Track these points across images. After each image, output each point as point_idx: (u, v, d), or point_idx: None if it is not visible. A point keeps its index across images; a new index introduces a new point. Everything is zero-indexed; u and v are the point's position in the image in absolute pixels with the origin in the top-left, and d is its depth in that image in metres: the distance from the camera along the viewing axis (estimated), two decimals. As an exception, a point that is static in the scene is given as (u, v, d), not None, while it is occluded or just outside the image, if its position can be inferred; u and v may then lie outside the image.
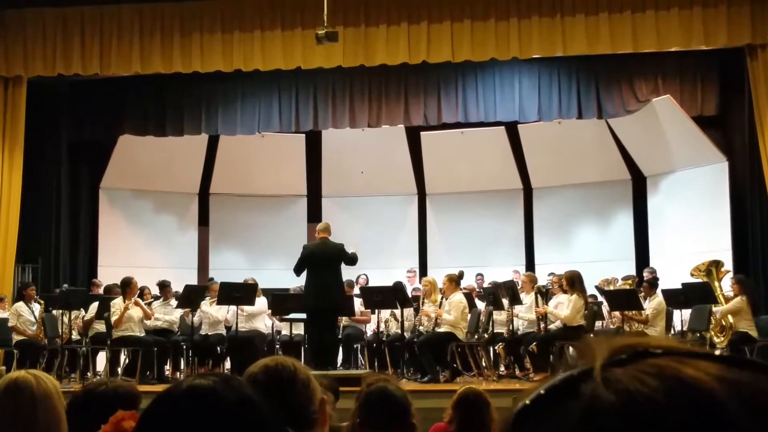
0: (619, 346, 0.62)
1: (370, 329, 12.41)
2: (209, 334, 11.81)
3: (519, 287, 11.67)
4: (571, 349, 10.44)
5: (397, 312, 11.37)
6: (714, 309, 10.98)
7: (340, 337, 12.14)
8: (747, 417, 0.55)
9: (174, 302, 11.99)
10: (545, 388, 0.61)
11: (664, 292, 11.18)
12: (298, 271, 10.63)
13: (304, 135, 15.97)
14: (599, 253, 14.95)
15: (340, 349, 12.27)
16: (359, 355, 12.53)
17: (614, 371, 0.58)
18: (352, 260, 10.57)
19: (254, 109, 14.81)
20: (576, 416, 0.57)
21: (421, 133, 15.84)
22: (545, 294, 11.46)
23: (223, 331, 11.88)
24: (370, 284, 13.26)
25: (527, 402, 0.61)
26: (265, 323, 12.10)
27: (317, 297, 10.38)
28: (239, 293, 11.22)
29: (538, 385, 0.62)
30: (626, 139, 15.12)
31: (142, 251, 15.65)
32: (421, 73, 14.19)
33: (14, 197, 13.15)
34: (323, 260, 10.38)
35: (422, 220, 16.61)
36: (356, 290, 12.86)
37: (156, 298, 12.20)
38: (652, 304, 11.03)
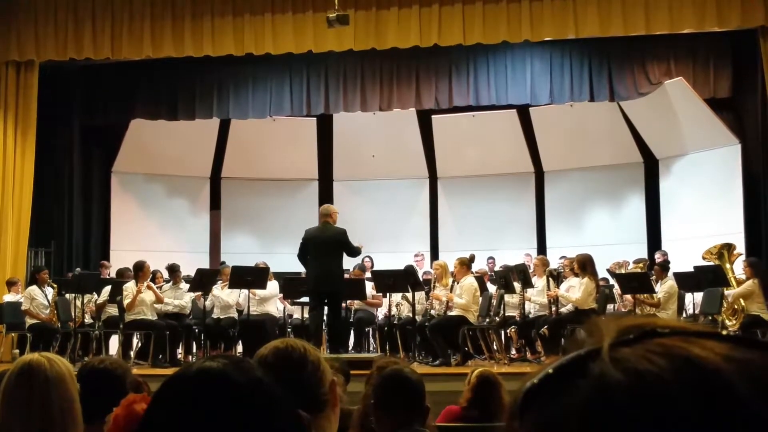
0: (627, 326, 0.62)
1: (381, 313, 12.43)
2: (221, 317, 11.84)
3: (530, 271, 11.67)
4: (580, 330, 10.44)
5: (409, 295, 11.36)
6: (726, 292, 10.95)
7: (351, 320, 12.17)
8: (756, 396, 0.55)
9: (184, 286, 12.02)
10: (554, 367, 0.61)
11: (675, 275, 11.16)
12: (301, 257, 10.62)
13: (315, 119, 15.97)
14: (611, 237, 14.92)
15: (352, 332, 12.32)
16: (370, 339, 12.56)
17: (622, 350, 0.59)
18: (354, 252, 10.49)
19: (265, 92, 14.80)
20: (584, 395, 0.57)
21: (433, 116, 15.82)
22: (557, 277, 11.45)
23: (235, 315, 11.92)
24: (382, 268, 13.26)
25: (535, 381, 0.61)
26: (276, 307, 12.13)
27: (317, 281, 10.35)
28: (251, 277, 11.24)
29: (547, 365, 0.62)
30: (638, 121, 15.07)
31: (154, 235, 15.70)
32: (433, 57, 14.15)
33: (27, 181, 13.20)
34: (323, 244, 10.33)
35: (434, 203, 16.61)
36: (368, 274, 12.87)
37: (167, 281, 12.24)
38: (664, 288, 11.01)
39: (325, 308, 10.57)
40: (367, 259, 14.14)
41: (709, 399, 0.55)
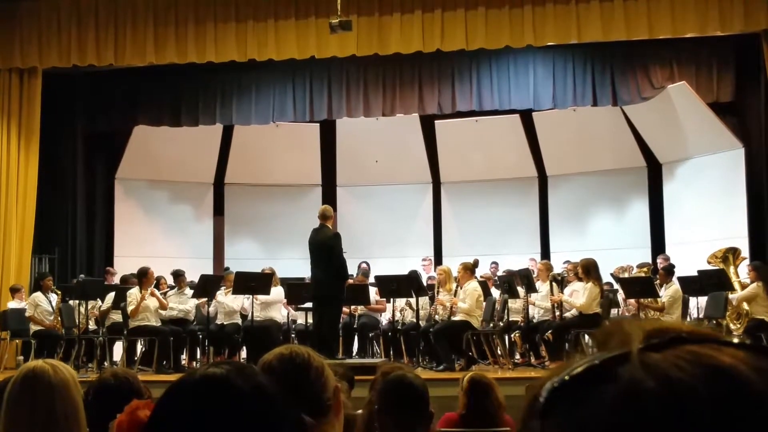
0: (653, 329, 0.61)
1: (385, 318, 12.42)
2: (225, 323, 11.85)
3: (534, 275, 11.66)
4: (587, 336, 10.43)
5: (413, 301, 11.37)
6: (730, 296, 10.94)
7: (355, 326, 12.17)
8: None
9: (188, 291, 12.04)
10: (581, 369, 0.60)
11: (680, 279, 11.15)
12: None
13: (318, 124, 15.96)
14: (615, 241, 14.89)
15: (356, 337, 12.31)
16: (374, 344, 12.55)
17: (651, 356, 0.58)
18: (336, 259, 10.31)
19: (268, 98, 14.81)
20: (614, 399, 0.57)
21: (436, 121, 15.81)
22: (560, 282, 11.45)
23: (239, 321, 11.92)
24: (385, 273, 13.26)
25: (560, 381, 0.60)
26: (280, 312, 12.13)
27: (312, 286, 10.53)
28: (254, 283, 11.25)
29: (571, 364, 0.61)
30: (641, 126, 15.06)
31: (157, 241, 15.71)
32: (435, 62, 14.16)
33: (30, 188, 13.22)
34: (314, 247, 10.41)
35: (437, 208, 16.60)
36: (371, 279, 12.87)
37: (171, 287, 12.25)
38: (669, 292, 11.01)
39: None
40: (364, 265, 14.12)
41: (740, 411, 0.54)
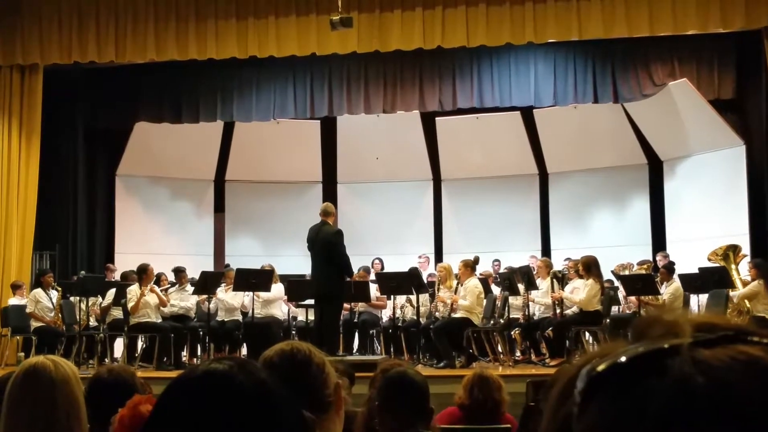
0: (702, 323, 0.59)
1: (386, 315, 12.43)
2: (226, 320, 11.86)
3: (535, 272, 11.66)
4: (587, 333, 10.42)
5: (413, 298, 11.37)
6: (731, 293, 10.93)
7: (356, 321, 12.18)
8: None
9: (189, 288, 12.05)
10: (628, 357, 0.58)
11: (680, 276, 11.14)
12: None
13: (319, 121, 15.96)
14: (615, 238, 14.89)
15: (356, 334, 12.32)
16: (375, 341, 12.56)
17: (702, 352, 0.56)
18: (342, 258, 10.33)
19: (269, 95, 14.81)
20: (664, 395, 0.55)
21: (436, 118, 15.80)
22: (561, 279, 11.44)
23: (240, 318, 11.93)
24: (386, 270, 13.27)
25: (605, 367, 0.58)
26: (281, 309, 12.14)
27: (312, 283, 10.59)
28: (255, 279, 11.25)
29: (612, 350, 0.59)
30: (642, 123, 15.05)
31: (158, 238, 15.70)
32: (436, 59, 14.16)
33: (31, 185, 13.22)
34: (316, 244, 10.39)
35: (437, 205, 16.59)
36: (372, 276, 12.88)
37: (172, 284, 12.26)
38: (670, 290, 11.01)
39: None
40: (377, 261, 14.13)
41: None
